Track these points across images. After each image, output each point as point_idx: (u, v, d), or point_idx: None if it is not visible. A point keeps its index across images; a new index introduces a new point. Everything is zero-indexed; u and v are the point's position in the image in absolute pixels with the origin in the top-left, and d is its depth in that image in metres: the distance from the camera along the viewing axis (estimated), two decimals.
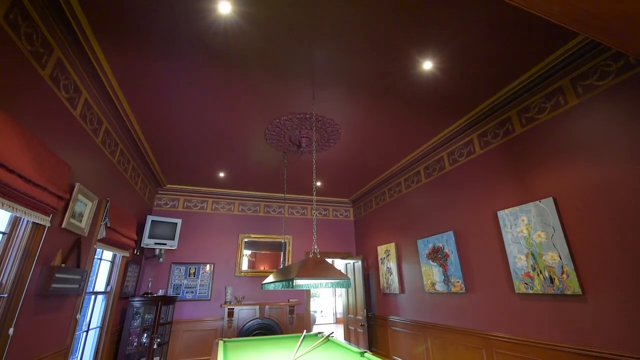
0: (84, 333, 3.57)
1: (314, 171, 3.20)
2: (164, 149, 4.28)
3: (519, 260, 2.90)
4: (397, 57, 2.62)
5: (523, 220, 2.89)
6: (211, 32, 2.34)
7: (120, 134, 3.58)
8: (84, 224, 2.92)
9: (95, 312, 3.80)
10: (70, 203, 2.61)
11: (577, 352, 2.38)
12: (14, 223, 2.12)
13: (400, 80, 2.91)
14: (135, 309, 4.42)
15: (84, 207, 2.89)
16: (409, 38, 2.42)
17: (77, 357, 3.45)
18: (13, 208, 1.89)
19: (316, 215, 6.62)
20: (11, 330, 1.99)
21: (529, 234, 2.82)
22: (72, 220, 2.69)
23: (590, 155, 2.46)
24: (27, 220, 2.15)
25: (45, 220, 2.25)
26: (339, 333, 8.66)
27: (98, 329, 3.80)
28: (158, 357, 4.56)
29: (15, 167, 1.80)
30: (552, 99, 2.81)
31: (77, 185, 2.69)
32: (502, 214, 3.12)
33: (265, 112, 3.41)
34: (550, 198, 2.68)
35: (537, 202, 2.78)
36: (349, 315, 6.00)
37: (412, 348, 4.38)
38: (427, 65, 2.71)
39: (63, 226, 2.55)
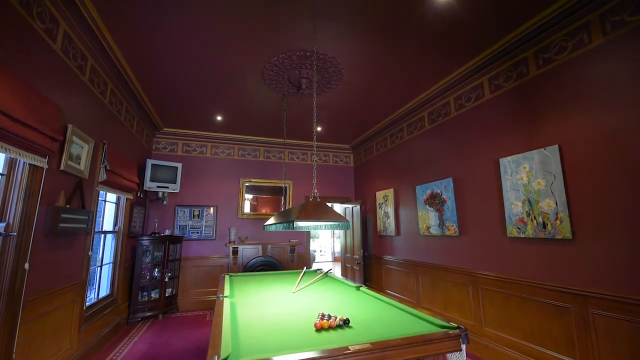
0: (98, 268, 3.82)
1: (314, 114, 3.08)
2: (156, 89, 4.06)
3: (514, 207, 2.96)
4: None
5: (524, 167, 2.87)
6: None
7: (108, 71, 3.36)
8: (83, 166, 2.90)
9: (106, 249, 4.02)
10: (66, 145, 2.56)
11: (556, 289, 2.57)
12: (11, 164, 2.10)
13: (411, 12, 2.62)
14: (144, 247, 4.67)
15: (80, 149, 2.84)
16: None
17: (95, 289, 3.75)
18: (5, 149, 1.85)
19: (316, 161, 6.62)
20: (27, 265, 2.11)
21: (529, 182, 2.83)
22: (70, 163, 2.67)
23: (606, 102, 2.33)
24: (24, 162, 2.13)
25: (42, 162, 2.23)
26: (336, 270, 9.34)
27: (111, 264, 4.07)
28: (170, 289, 4.98)
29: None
30: (575, 37, 2.57)
31: (69, 126, 2.61)
32: (504, 161, 3.09)
33: (262, 48, 3.15)
34: (556, 146, 2.62)
35: (542, 149, 2.72)
36: (347, 255, 6.39)
37: (403, 283, 4.75)
38: None
39: (62, 168, 2.53)
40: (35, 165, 2.19)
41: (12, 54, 1.98)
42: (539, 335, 2.71)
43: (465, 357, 1.63)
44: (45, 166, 2.29)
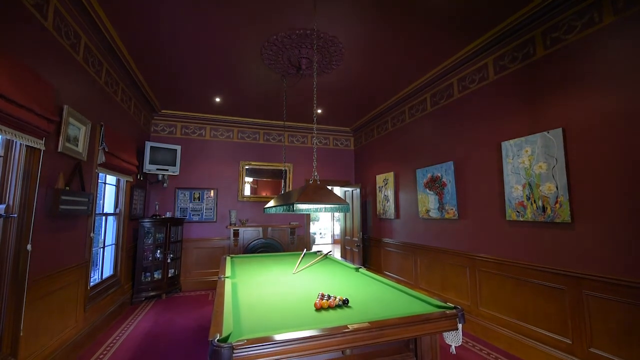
0: (101, 249, 3.87)
1: (315, 96, 3.01)
2: (153, 69, 3.97)
3: (515, 190, 2.95)
4: None
5: (527, 151, 2.85)
6: None
7: (103, 51, 3.27)
8: (81, 148, 2.88)
9: (108, 231, 4.06)
10: (62, 126, 2.52)
11: (552, 271, 2.61)
12: (7, 146, 2.08)
13: None
14: (146, 229, 4.71)
15: (77, 131, 2.81)
16: None
17: (98, 269, 3.81)
18: (0, 130, 1.82)
19: (317, 144, 6.57)
20: (29, 247, 2.13)
21: (530, 165, 2.81)
22: (68, 144, 2.64)
23: (614, 83, 2.28)
24: (21, 144, 2.10)
25: (39, 144, 2.20)
26: (336, 252, 9.48)
27: (113, 246, 4.12)
28: (173, 269, 5.07)
29: None
30: (584, 16, 2.47)
31: (65, 107, 2.56)
32: (506, 145, 3.06)
33: (261, 25, 3.04)
34: (560, 129, 2.58)
35: (545, 132, 2.69)
36: (346, 237, 6.47)
37: (401, 265, 4.83)
38: None
39: (59, 150, 2.51)
40: (32, 146, 2.17)
41: (1, 32, 1.91)
42: (533, 316, 2.78)
43: (461, 336, 1.67)
44: (43, 148, 2.26)
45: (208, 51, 3.49)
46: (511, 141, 3.00)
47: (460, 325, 1.66)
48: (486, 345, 3.12)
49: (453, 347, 1.70)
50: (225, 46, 3.39)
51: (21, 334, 2.10)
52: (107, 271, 4.01)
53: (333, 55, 3.54)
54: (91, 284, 3.36)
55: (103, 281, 3.75)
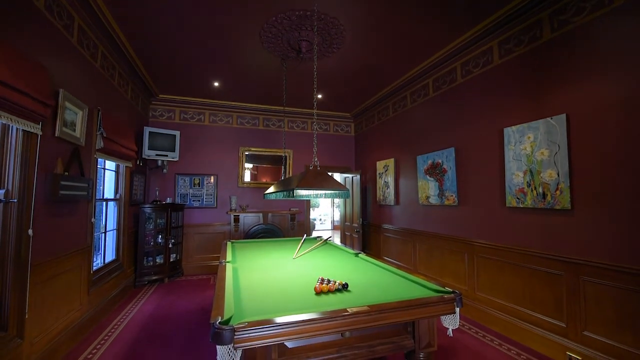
0: (103, 234, 3.90)
1: (315, 80, 2.95)
2: (149, 52, 3.87)
3: (515, 177, 2.94)
4: None
5: (529, 137, 2.82)
6: None
7: (98, 32, 3.18)
8: (79, 133, 2.85)
9: (109, 216, 4.08)
10: (59, 110, 2.48)
11: (550, 257, 2.63)
12: (4, 131, 2.06)
13: None
14: (147, 215, 4.74)
15: (74, 115, 2.77)
16: None
17: (101, 254, 3.85)
18: None
19: (317, 130, 6.51)
20: (30, 231, 2.14)
21: (532, 152, 2.79)
22: (65, 129, 2.61)
23: (620, 69, 2.22)
24: (17, 129, 2.08)
25: (35, 128, 2.17)
26: (336, 238, 9.57)
27: (115, 231, 4.14)
28: (174, 254, 5.13)
29: None
30: None
31: (61, 91, 2.51)
32: (508, 131, 3.02)
33: (260, 5, 2.95)
34: (563, 115, 2.54)
35: (548, 118, 2.65)
36: (346, 223, 6.51)
37: (401, 250, 4.88)
38: None
39: (57, 135, 2.48)
40: (29, 131, 2.14)
41: None
42: (529, 300, 2.82)
43: (458, 319, 1.70)
44: (40, 132, 2.23)
45: (206, 33, 3.40)
46: (513, 127, 2.97)
47: (457, 309, 1.69)
48: (482, 328, 3.19)
49: (450, 330, 1.73)
50: (224, 28, 3.30)
51: (26, 316, 2.14)
52: (110, 256, 4.06)
53: (334, 38, 3.45)
54: (94, 268, 3.40)
55: (106, 265, 3.79)
